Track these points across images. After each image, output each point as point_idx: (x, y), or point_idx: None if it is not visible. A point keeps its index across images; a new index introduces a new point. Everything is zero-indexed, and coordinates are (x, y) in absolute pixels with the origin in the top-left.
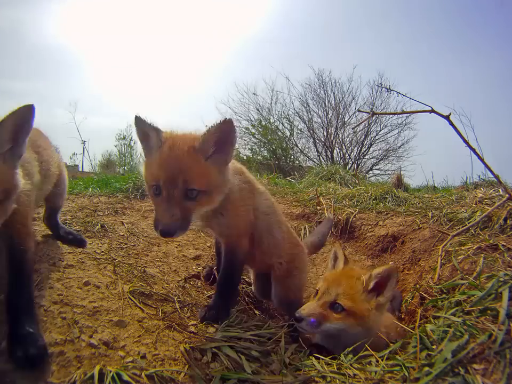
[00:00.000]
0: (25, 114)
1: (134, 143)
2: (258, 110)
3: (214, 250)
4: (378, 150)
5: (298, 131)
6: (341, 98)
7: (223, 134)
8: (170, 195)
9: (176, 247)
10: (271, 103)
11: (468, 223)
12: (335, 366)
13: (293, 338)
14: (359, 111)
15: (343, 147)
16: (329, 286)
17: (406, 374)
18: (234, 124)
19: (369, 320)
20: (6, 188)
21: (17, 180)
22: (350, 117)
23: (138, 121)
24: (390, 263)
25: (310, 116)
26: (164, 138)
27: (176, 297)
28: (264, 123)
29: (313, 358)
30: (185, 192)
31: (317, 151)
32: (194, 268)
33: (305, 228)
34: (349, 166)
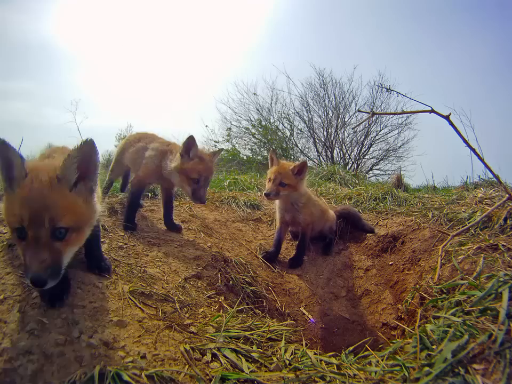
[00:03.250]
0: (87, 149)
1: None
2: (258, 110)
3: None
4: (379, 150)
5: (299, 131)
6: (341, 98)
7: (85, 157)
8: (37, 237)
9: (176, 247)
10: (271, 103)
11: (468, 223)
12: (335, 366)
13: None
14: (359, 111)
15: (343, 147)
16: (276, 175)
17: (406, 374)
18: (96, 146)
19: (299, 188)
20: (80, 219)
21: (92, 210)
22: (350, 117)
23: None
24: (390, 263)
25: (310, 115)
26: (29, 168)
27: (176, 297)
28: (264, 123)
29: (313, 358)
30: (53, 232)
31: (317, 151)
32: (194, 268)
33: None
34: (349, 166)
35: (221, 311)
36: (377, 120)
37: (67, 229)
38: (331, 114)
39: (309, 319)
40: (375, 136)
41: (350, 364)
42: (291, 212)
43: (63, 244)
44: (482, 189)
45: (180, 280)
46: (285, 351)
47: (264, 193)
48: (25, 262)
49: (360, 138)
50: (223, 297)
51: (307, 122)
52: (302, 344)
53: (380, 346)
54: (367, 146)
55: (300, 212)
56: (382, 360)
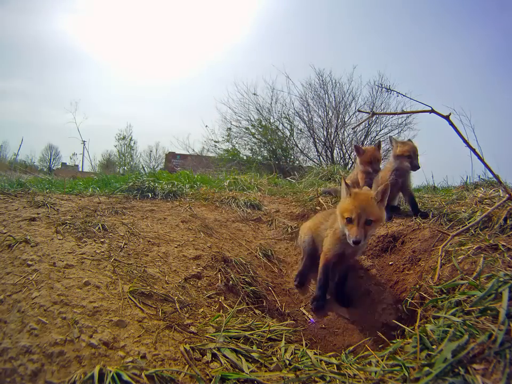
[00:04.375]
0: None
1: (134, 143)
2: (258, 110)
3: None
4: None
5: (298, 131)
6: (341, 98)
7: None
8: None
9: (176, 247)
10: (271, 103)
11: (468, 223)
12: (335, 366)
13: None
14: (359, 111)
15: (343, 147)
16: (361, 212)
17: (406, 374)
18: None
19: (383, 219)
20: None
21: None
22: (350, 117)
23: None
24: (390, 263)
25: (310, 115)
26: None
27: (176, 297)
28: (264, 123)
29: (313, 358)
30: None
31: (317, 151)
32: (194, 268)
33: None
34: (349, 166)
35: (221, 311)
36: (377, 120)
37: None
38: (331, 114)
39: (309, 319)
40: (375, 136)
41: (350, 364)
42: (348, 245)
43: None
44: (482, 189)
45: (179, 280)
46: (285, 351)
47: (353, 241)
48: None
49: (360, 138)
50: (223, 297)
51: (307, 122)
52: (302, 344)
53: (380, 346)
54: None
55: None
56: (382, 360)
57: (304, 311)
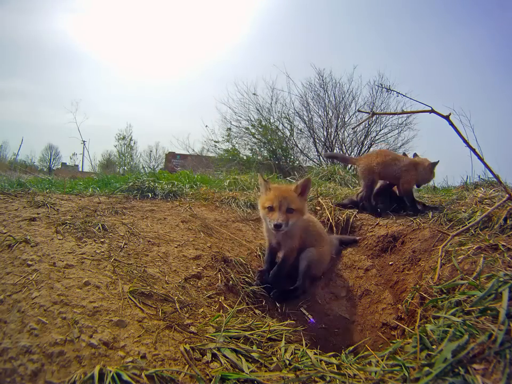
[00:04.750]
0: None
1: (134, 143)
2: (258, 110)
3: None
4: None
5: (298, 131)
6: (341, 98)
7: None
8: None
9: (176, 247)
10: (271, 103)
11: (468, 223)
12: (335, 366)
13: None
14: (359, 111)
15: (343, 147)
16: (281, 200)
17: (406, 374)
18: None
19: (305, 211)
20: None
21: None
22: (350, 117)
23: None
24: (390, 263)
25: (310, 115)
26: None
27: (176, 297)
28: (264, 123)
29: (313, 358)
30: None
31: (317, 151)
32: (194, 268)
33: None
34: (349, 166)
35: (221, 311)
36: (377, 120)
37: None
38: (331, 114)
39: (309, 319)
40: (375, 136)
41: (350, 364)
42: (277, 237)
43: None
44: (482, 189)
45: (180, 280)
46: (285, 351)
47: (274, 225)
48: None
49: (360, 138)
50: (223, 297)
51: (307, 122)
52: (302, 344)
53: (379, 346)
54: (367, 146)
55: (290, 237)
56: (382, 360)
57: (304, 311)
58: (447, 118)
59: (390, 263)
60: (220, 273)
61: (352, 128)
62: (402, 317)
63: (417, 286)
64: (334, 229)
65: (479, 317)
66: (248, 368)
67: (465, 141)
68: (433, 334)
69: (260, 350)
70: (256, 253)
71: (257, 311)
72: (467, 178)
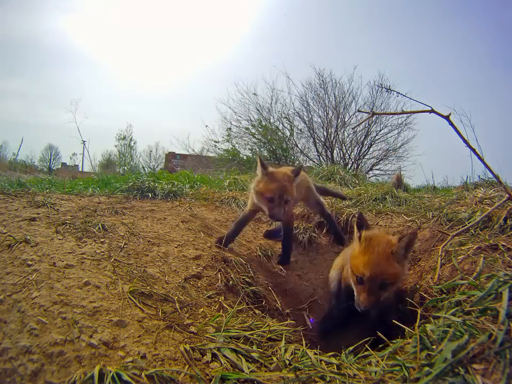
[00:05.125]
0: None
1: (134, 143)
2: (258, 110)
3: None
4: (378, 150)
5: (298, 131)
6: (341, 99)
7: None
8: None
9: (176, 247)
10: (271, 103)
11: (468, 223)
12: (335, 366)
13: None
14: (359, 111)
15: (343, 147)
16: (280, 195)
17: (406, 374)
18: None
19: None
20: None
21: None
22: (350, 117)
23: None
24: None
25: (310, 116)
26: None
27: (176, 297)
28: (264, 123)
29: (313, 358)
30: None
31: (317, 151)
32: (194, 268)
33: (304, 228)
34: (349, 166)
35: (221, 311)
36: (377, 120)
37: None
38: (331, 114)
39: (309, 319)
40: (375, 136)
41: (350, 364)
42: None
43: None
44: (482, 189)
45: (179, 280)
46: (285, 351)
47: (271, 216)
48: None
49: (360, 138)
50: (223, 297)
51: (307, 122)
52: (302, 344)
53: (379, 346)
54: (367, 146)
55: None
56: (382, 360)
57: (304, 311)
58: (447, 118)
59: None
60: (220, 273)
61: (352, 128)
62: (402, 317)
63: (417, 286)
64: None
65: (479, 317)
66: (248, 368)
67: (465, 141)
68: (433, 334)
69: (259, 350)
70: (256, 253)
71: (257, 311)
72: (467, 178)
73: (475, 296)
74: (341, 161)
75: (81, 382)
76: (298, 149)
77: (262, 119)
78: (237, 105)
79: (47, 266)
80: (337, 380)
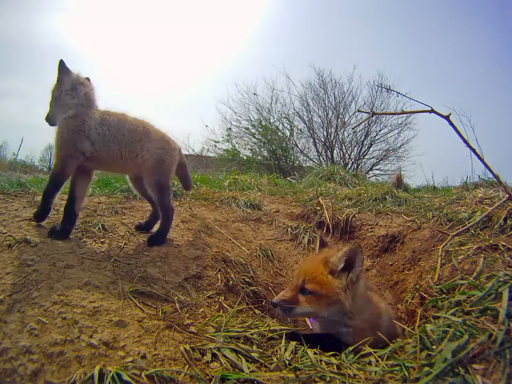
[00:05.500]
0: None
1: None
2: (258, 110)
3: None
4: (378, 150)
5: (298, 131)
6: (341, 99)
7: None
8: None
9: (176, 247)
10: (271, 103)
11: (468, 223)
12: (335, 366)
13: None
14: (359, 111)
15: (343, 147)
16: (299, 272)
17: (406, 374)
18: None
19: (343, 299)
20: None
21: None
22: (350, 117)
23: None
24: (390, 263)
25: (310, 116)
26: None
27: (176, 297)
28: (264, 123)
29: (313, 358)
30: None
31: (317, 151)
32: (194, 268)
33: (304, 228)
34: (349, 166)
35: (221, 311)
36: (377, 120)
37: None
38: (331, 114)
39: (309, 319)
40: (375, 136)
41: (350, 364)
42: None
43: None
44: (482, 189)
45: (179, 280)
46: (285, 351)
47: (271, 302)
48: None
49: (360, 138)
50: (223, 297)
51: (307, 123)
52: (302, 344)
53: (380, 346)
54: (367, 146)
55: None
56: (382, 360)
57: None
58: (447, 118)
59: (390, 263)
60: (220, 273)
61: (352, 128)
62: (402, 317)
63: (417, 286)
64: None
65: (479, 317)
66: (248, 368)
67: (465, 141)
68: (433, 334)
69: (259, 350)
70: (256, 252)
71: (257, 311)
72: (467, 178)
73: (475, 296)
74: (341, 161)
75: (81, 382)
76: (298, 149)
77: (262, 119)
78: (237, 105)
79: (47, 266)
80: (337, 380)
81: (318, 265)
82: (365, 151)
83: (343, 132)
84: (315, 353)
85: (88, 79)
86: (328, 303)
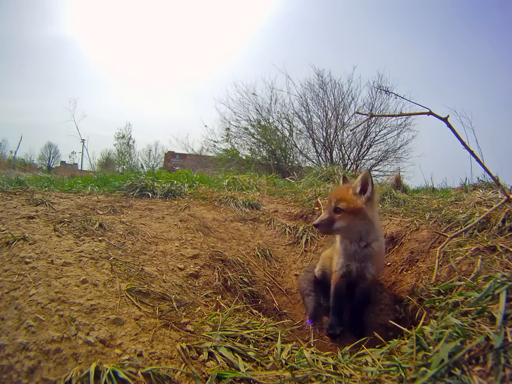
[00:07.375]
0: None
1: (133, 142)
2: (257, 110)
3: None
4: (378, 151)
5: (298, 131)
6: (340, 99)
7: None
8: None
9: (174, 246)
10: (271, 103)
11: (466, 225)
12: (331, 365)
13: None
14: (357, 112)
15: (342, 148)
16: (331, 198)
17: (403, 374)
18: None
19: (365, 210)
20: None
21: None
22: (349, 118)
23: None
24: (388, 264)
25: (309, 116)
26: None
27: (173, 296)
28: (263, 123)
29: (310, 358)
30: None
31: (316, 151)
32: (192, 267)
33: (303, 228)
34: (348, 166)
35: (218, 310)
36: (376, 121)
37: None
38: (330, 115)
39: (306, 318)
40: (374, 137)
41: (347, 364)
42: (359, 258)
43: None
44: (480, 191)
45: (177, 279)
46: (282, 351)
47: (313, 224)
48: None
49: (359, 139)
50: (220, 296)
51: (306, 123)
52: (298, 344)
53: (376, 347)
54: (366, 147)
55: (372, 260)
56: (379, 360)
57: (302, 311)
58: (445, 120)
59: (388, 263)
60: (218, 273)
61: (351, 130)
62: (399, 317)
63: (415, 287)
64: None
65: (476, 318)
66: (245, 367)
67: (463, 143)
68: (430, 335)
69: (256, 349)
70: (254, 252)
71: (254, 311)
72: (466, 180)
73: (472, 297)
74: (340, 161)
75: (77, 379)
76: (297, 149)
77: (261, 119)
78: (236, 105)
79: (45, 264)
80: (334, 380)
81: (344, 190)
82: (364, 151)
83: (343, 132)
84: (312, 353)
85: None
86: (356, 217)
